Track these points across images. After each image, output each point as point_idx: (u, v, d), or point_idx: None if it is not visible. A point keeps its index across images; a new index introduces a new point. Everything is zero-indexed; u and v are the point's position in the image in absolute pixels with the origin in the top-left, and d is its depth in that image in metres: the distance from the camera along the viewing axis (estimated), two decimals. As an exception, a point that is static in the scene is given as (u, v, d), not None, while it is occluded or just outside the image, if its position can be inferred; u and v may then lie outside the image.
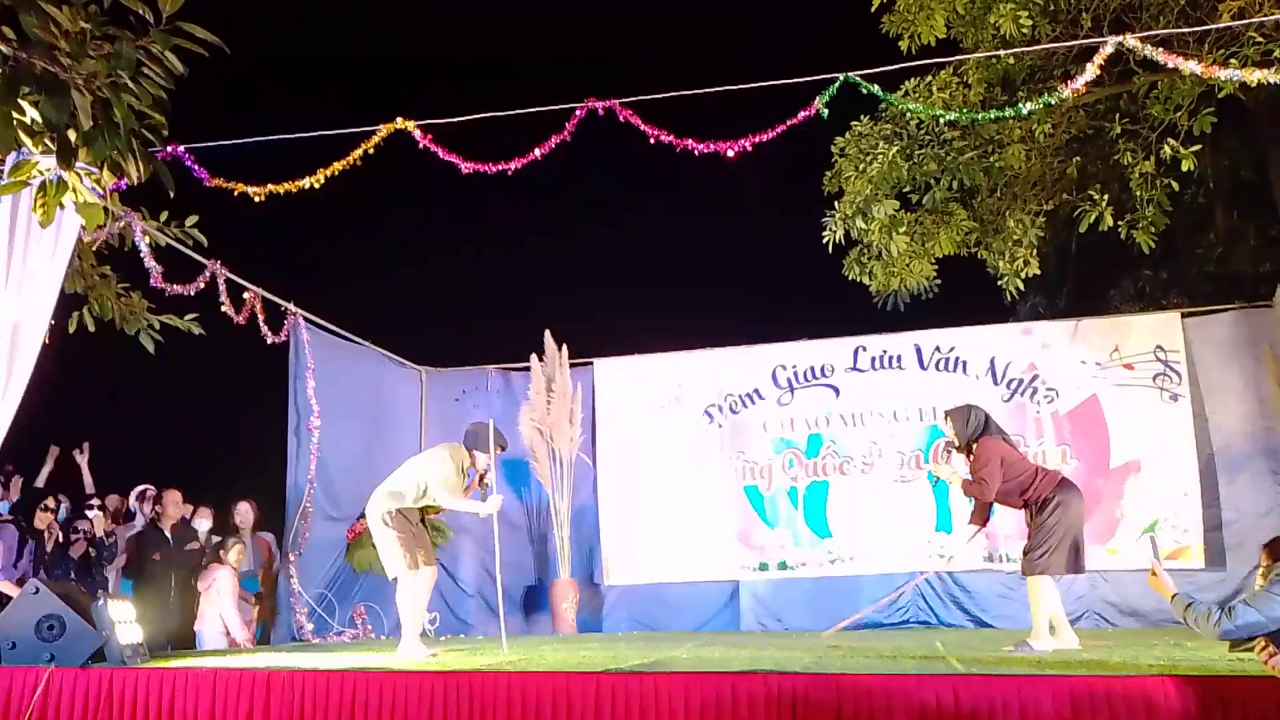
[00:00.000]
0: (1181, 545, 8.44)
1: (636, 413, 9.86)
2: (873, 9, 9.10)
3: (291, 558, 8.27)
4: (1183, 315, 9.01)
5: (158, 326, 6.91)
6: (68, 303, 6.46)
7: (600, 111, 6.23)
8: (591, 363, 10.12)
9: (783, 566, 9.34)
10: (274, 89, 13.27)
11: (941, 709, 3.73)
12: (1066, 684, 3.70)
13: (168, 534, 7.86)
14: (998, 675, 3.86)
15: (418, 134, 6.38)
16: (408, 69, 15.26)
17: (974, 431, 5.95)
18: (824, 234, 9.25)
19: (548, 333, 9.85)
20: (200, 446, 11.81)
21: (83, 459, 8.14)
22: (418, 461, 6.08)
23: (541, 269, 15.15)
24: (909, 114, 8.64)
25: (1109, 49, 5.78)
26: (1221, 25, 7.29)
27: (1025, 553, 5.81)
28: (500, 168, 6.37)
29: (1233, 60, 7.32)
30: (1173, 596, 3.71)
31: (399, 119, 6.41)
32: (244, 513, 8.47)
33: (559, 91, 6.44)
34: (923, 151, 8.97)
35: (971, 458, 5.98)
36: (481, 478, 6.04)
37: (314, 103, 13.58)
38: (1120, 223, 8.69)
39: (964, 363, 9.27)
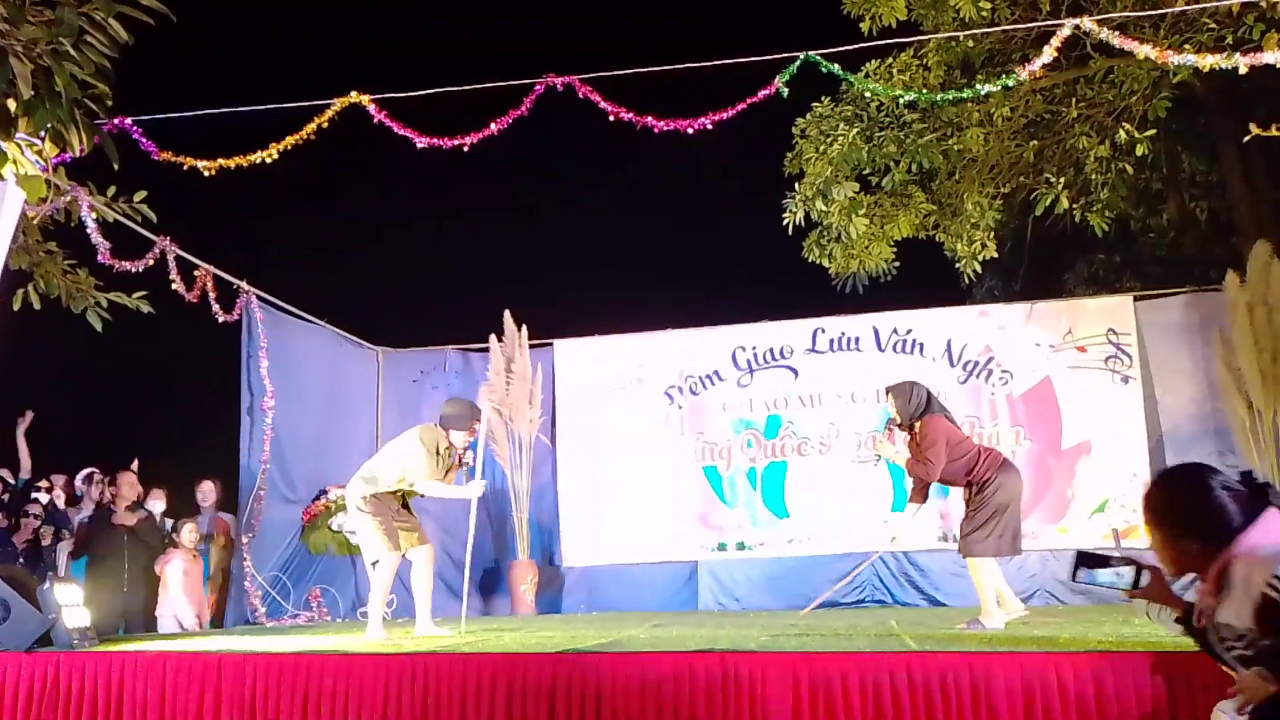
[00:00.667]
0: (1130, 525, 8.59)
1: (596, 394, 9.84)
2: (835, -10, 9.10)
3: (245, 540, 8.16)
4: (1135, 299, 9.15)
5: (105, 304, 6.74)
6: (12, 280, 6.29)
7: (559, 88, 6.16)
8: (551, 344, 10.06)
9: (741, 547, 9.39)
10: (226, 61, 13.00)
11: (895, 686, 3.76)
12: (1017, 660, 3.74)
13: (121, 516, 7.73)
14: (950, 653, 3.90)
15: (372, 108, 6.28)
16: (364, 43, 15.04)
17: (916, 409, 5.87)
18: (784, 216, 9.27)
19: (507, 313, 9.78)
20: (151, 428, 11.60)
21: (20, 432, 7.92)
22: (393, 446, 5.96)
23: (500, 248, 15.05)
24: (869, 96, 8.65)
25: (1066, 31, 5.82)
26: (1176, 9, 7.37)
27: (964, 534, 5.78)
28: (456, 143, 6.28)
29: (1187, 46, 7.42)
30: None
31: (354, 93, 6.29)
32: (207, 492, 8.38)
33: (518, 68, 6.37)
34: (883, 134, 9.00)
35: (915, 436, 5.92)
36: (461, 457, 5.95)
37: (269, 76, 13.33)
38: (1075, 206, 8.78)
39: (921, 345, 9.35)
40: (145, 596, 7.66)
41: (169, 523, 8.03)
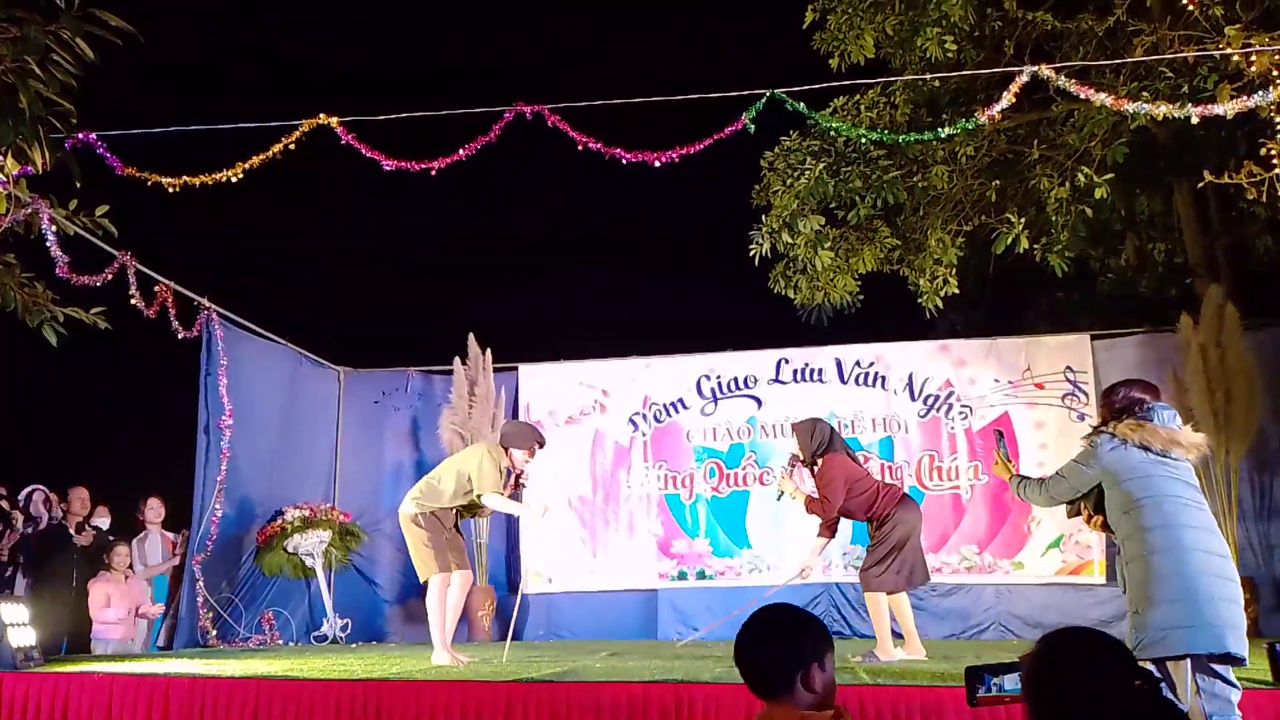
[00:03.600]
0: (1084, 561, 8.71)
1: (560, 419, 9.82)
2: (804, 26, 9.24)
3: (198, 560, 8.03)
4: (1092, 337, 9.30)
5: (62, 319, 6.65)
6: (-34, 292, 6.21)
7: (529, 116, 6.20)
8: (516, 368, 10.04)
9: (701, 576, 9.39)
10: (193, 79, 12.93)
11: None
12: (968, 696, 3.78)
13: (72, 532, 7.60)
14: (902, 686, 3.93)
15: (340, 130, 6.28)
16: (335, 64, 15.01)
17: (818, 447, 6.04)
18: (751, 247, 9.35)
19: (471, 336, 9.75)
20: (104, 444, 11.40)
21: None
22: (456, 458, 6.11)
23: (466, 270, 14.99)
24: (835, 131, 8.79)
25: (1024, 79, 5.95)
26: (1134, 60, 7.56)
27: (864, 569, 5.98)
28: (424, 166, 6.30)
29: (1144, 94, 7.60)
30: (1011, 478, 4.09)
31: (322, 115, 6.30)
32: (155, 508, 8.27)
33: (488, 95, 6.40)
34: (849, 169, 9.11)
35: (815, 474, 6.07)
36: (518, 478, 6.05)
37: (236, 95, 13.26)
38: (1036, 246, 8.93)
39: (883, 378, 9.44)
40: (82, 617, 7.52)
41: (111, 540, 7.90)
